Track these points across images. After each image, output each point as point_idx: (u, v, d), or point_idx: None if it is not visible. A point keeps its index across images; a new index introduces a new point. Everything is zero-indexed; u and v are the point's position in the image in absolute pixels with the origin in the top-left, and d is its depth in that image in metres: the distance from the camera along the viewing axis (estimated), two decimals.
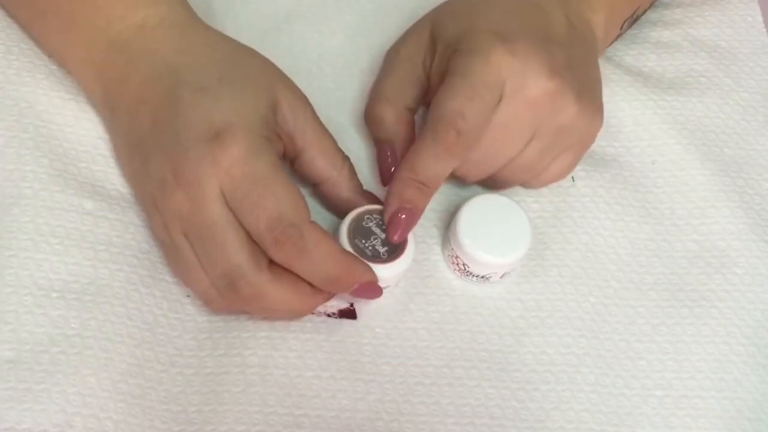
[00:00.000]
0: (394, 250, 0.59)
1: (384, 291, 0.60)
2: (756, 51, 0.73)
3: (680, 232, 0.66)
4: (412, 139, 0.63)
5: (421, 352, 0.61)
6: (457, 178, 0.64)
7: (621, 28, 0.68)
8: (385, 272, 0.59)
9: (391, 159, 0.62)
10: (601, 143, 0.67)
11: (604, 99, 0.65)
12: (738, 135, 0.70)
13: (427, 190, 0.59)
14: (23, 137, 0.62)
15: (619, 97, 0.69)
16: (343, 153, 0.61)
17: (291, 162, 0.61)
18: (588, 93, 0.61)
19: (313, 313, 0.61)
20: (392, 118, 0.62)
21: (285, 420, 0.58)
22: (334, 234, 0.60)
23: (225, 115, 0.55)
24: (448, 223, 0.64)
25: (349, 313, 0.62)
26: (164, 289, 0.61)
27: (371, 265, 0.58)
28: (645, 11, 0.71)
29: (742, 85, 0.71)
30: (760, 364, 0.63)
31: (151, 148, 0.57)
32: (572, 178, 0.66)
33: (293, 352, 0.60)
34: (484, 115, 0.58)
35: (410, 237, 0.60)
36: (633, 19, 0.69)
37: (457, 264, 0.62)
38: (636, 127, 0.69)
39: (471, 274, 0.62)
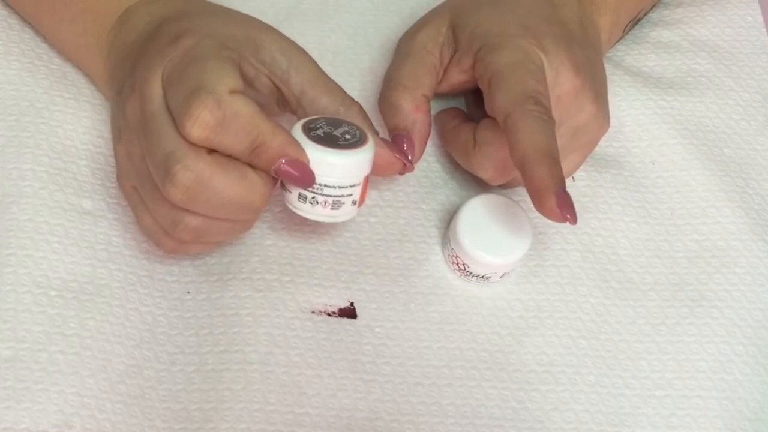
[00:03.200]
0: (354, 145, 0.55)
1: (341, 202, 0.56)
2: (756, 51, 0.73)
3: (680, 232, 0.66)
4: (428, 127, 0.62)
5: (421, 352, 0.61)
6: (480, 181, 0.63)
7: (624, 31, 0.68)
8: (336, 159, 0.54)
9: (407, 148, 0.61)
10: (601, 143, 0.66)
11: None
12: (738, 135, 0.69)
13: (557, 159, 0.55)
14: (23, 136, 0.62)
15: (619, 97, 0.69)
16: (351, 97, 0.58)
17: (295, 111, 0.58)
18: (602, 94, 0.61)
19: (313, 312, 0.61)
20: (410, 106, 0.61)
21: (286, 418, 0.58)
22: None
23: (190, 28, 0.55)
24: (448, 223, 0.64)
25: (350, 313, 0.62)
26: (163, 289, 0.61)
27: (324, 148, 0.54)
28: (647, 13, 0.71)
29: (742, 85, 0.71)
30: (761, 364, 0.63)
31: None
32: (572, 177, 0.66)
33: (294, 350, 0.60)
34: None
35: (370, 138, 0.56)
36: (635, 22, 0.69)
37: (457, 264, 0.62)
38: (636, 127, 0.69)
39: (471, 274, 0.62)
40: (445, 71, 0.62)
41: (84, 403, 0.57)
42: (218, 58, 0.53)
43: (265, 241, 0.62)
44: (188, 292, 0.61)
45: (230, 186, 0.53)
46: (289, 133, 0.54)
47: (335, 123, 0.56)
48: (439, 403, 0.60)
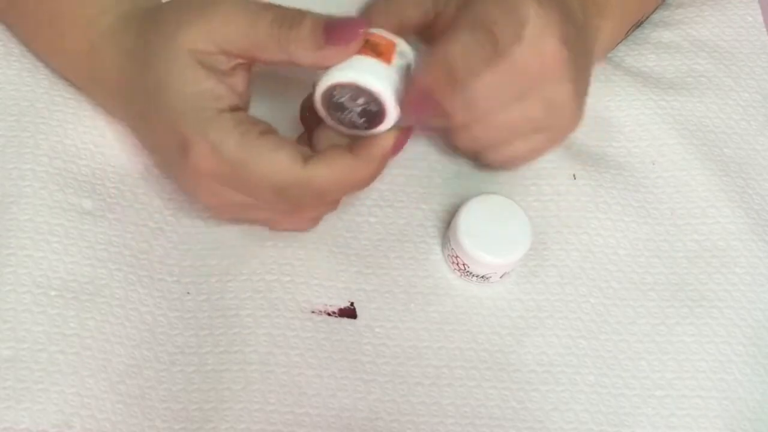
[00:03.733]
0: (372, 120, 0.56)
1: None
2: (756, 51, 0.73)
3: (680, 232, 0.66)
4: None
5: (421, 352, 0.61)
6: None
7: (626, 34, 0.68)
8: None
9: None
10: (601, 144, 0.67)
11: (605, 100, 0.66)
12: (738, 135, 0.69)
13: (454, 78, 0.55)
14: (23, 136, 0.62)
15: (620, 98, 0.69)
16: (300, 12, 0.54)
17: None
18: (583, 84, 0.60)
19: (313, 312, 0.61)
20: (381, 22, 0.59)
21: (286, 418, 0.58)
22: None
23: (180, 126, 0.54)
24: (448, 223, 0.64)
25: (350, 313, 0.62)
26: (163, 289, 0.61)
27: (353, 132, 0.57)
28: (649, 16, 0.71)
29: (741, 85, 0.71)
30: (761, 364, 0.63)
31: (159, 115, 0.56)
32: (573, 176, 0.66)
33: (294, 350, 0.60)
34: (513, 32, 0.56)
35: (390, 103, 0.55)
36: (637, 25, 0.69)
37: (457, 264, 0.62)
38: (636, 127, 0.69)
39: (471, 274, 0.62)
40: (436, 15, 0.61)
41: (84, 403, 0.57)
42: (255, 151, 0.54)
43: (265, 242, 0.62)
44: (188, 293, 0.61)
45: (336, 179, 0.55)
46: (373, 147, 0.55)
47: (354, 96, 0.55)
48: (439, 403, 0.60)
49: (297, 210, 0.58)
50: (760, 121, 0.70)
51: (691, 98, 0.70)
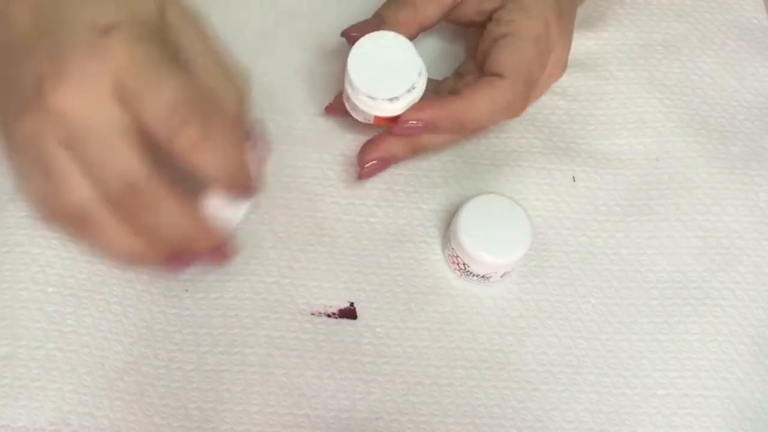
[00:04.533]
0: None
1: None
2: (761, 51, 0.72)
3: (685, 228, 0.66)
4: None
5: (421, 351, 0.61)
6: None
7: None
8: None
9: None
10: (604, 142, 0.67)
11: (610, 97, 0.67)
12: (743, 134, 0.69)
13: (460, 130, 0.62)
14: None
15: (624, 95, 0.69)
16: (243, 69, 0.56)
17: None
18: (569, 39, 0.65)
19: (312, 314, 0.61)
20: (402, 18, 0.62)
21: (285, 420, 0.58)
22: None
23: (112, 12, 0.52)
24: (448, 223, 0.64)
25: (350, 313, 0.61)
26: (161, 286, 0.60)
27: None
28: None
29: (746, 86, 0.71)
30: (763, 364, 0.62)
31: (29, 47, 0.53)
32: (573, 178, 0.66)
33: (294, 352, 0.60)
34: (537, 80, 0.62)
35: None
36: None
37: (458, 264, 0.62)
38: (640, 123, 0.68)
39: (471, 273, 0.62)
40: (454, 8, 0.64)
41: (81, 401, 0.56)
42: (173, 63, 0.53)
43: (264, 243, 0.62)
44: (186, 290, 0.61)
45: (175, 212, 0.55)
46: None
47: None
48: (439, 402, 0.60)
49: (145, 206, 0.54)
50: (765, 122, 0.70)
51: (694, 98, 0.70)
